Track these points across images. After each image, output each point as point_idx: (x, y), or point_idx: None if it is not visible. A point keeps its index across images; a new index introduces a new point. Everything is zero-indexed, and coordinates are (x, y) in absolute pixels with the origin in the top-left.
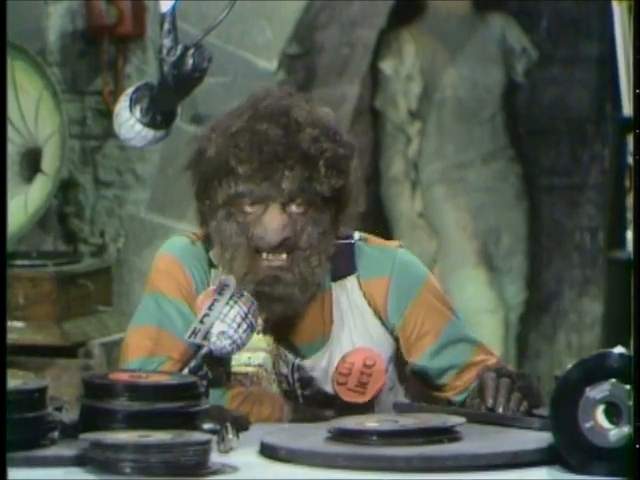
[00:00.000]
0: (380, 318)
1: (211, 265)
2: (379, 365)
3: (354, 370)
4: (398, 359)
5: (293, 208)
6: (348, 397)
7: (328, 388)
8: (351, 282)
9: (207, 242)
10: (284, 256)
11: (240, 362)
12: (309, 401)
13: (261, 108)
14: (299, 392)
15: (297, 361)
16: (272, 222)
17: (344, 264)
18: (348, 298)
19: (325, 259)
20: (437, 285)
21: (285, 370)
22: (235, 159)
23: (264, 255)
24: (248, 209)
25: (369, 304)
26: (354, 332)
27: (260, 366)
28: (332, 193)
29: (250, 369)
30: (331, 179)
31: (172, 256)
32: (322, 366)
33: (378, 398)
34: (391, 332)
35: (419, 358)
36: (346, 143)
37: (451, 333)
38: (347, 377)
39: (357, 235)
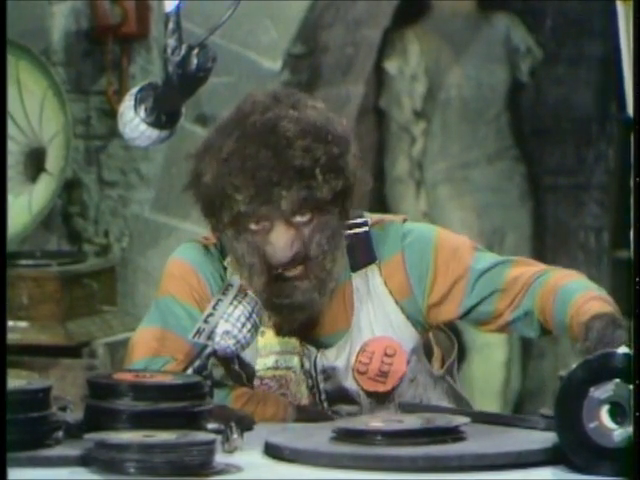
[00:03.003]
0: (402, 305)
1: (226, 267)
2: (400, 354)
3: (374, 359)
4: (421, 351)
5: (298, 218)
6: (369, 386)
7: (349, 382)
8: (371, 271)
9: (221, 246)
10: (298, 268)
11: (268, 366)
12: (332, 397)
13: (248, 126)
14: (322, 386)
15: (319, 353)
16: (279, 241)
17: (363, 254)
18: (368, 287)
19: (339, 255)
20: (447, 236)
21: (308, 365)
22: (230, 187)
23: (279, 269)
24: (254, 227)
25: (390, 293)
26: (374, 321)
27: (288, 368)
28: (334, 195)
29: (278, 372)
30: (330, 183)
31: (185, 261)
32: (344, 356)
33: (399, 390)
34: (414, 319)
35: (459, 303)
36: (340, 138)
37: (478, 267)
38: (367, 366)
39: (368, 219)
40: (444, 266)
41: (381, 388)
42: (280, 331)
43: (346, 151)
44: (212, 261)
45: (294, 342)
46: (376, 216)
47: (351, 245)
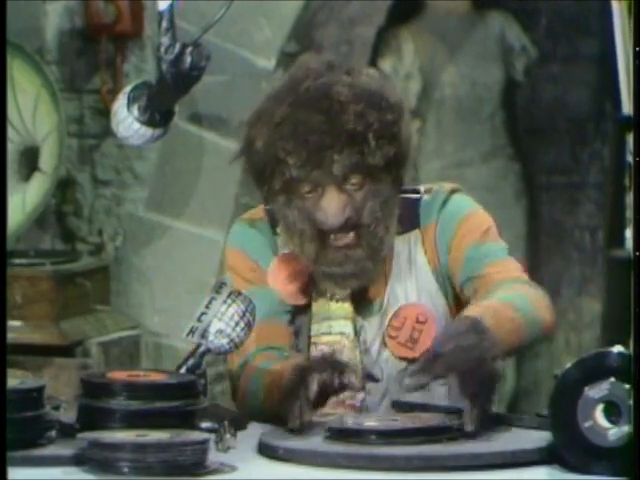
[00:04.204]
0: (436, 274)
1: (277, 234)
2: (431, 322)
3: (406, 325)
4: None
5: (349, 185)
6: (398, 352)
7: (376, 348)
8: (415, 236)
9: (268, 216)
10: (351, 234)
11: (321, 331)
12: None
13: (302, 91)
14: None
15: (363, 322)
16: (331, 206)
17: (409, 219)
18: (409, 253)
19: (392, 224)
20: (477, 215)
21: (359, 330)
22: (283, 151)
23: (331, 236)
24: (306, 193)
25: (428, 261)
26: (410, 288)
27: (342, 334)
28: (387, 161)
29: (332, 338)
30: (383, 149)
31: (233, 247)
32: (379, 322)
33: None
34: (444, 289)
35: (459, 278)
36: (393, 105)
37: (474, 251)
38: (399, 331)
39: (422, 188)
40: (461, 240)
41: (410, 354)
42: (332, 296)
43: (400, 118)
44: (260, 235)
45: (347, 307)
46: (432, 185)
47: (401, 211)
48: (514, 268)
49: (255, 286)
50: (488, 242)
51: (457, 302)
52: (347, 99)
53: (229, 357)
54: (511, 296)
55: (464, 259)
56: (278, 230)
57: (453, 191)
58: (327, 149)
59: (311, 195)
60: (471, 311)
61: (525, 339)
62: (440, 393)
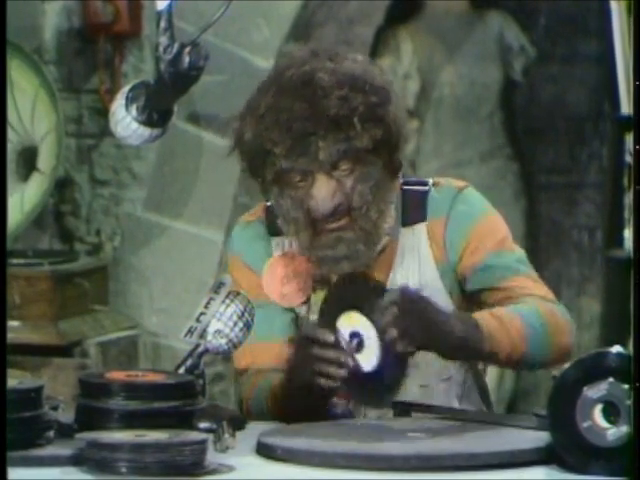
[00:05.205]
0: (440, 271)
1: (273, 234)
2: None
3: None
4: None
5: (339, 171)
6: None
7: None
8: (420, 229)
9: (266, 214)
10: (343, 220)
11: None
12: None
13: (285, 80)
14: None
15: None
16: (321, 193)
17: (415, 211)
18: (414, 246)
19: (387, 208)
20: (491, 220)
21: None
22: (269, 141)
23: (323, 223)
24: (297, 182)
25: (434, 256)
26: (412, 280)
27: None
28: (375, 144)
29: None
30: (370, 132)
31: (232, 255)
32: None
33: (427, 357)
34: (449, 287)
35: (470, 284)
36: (379, 88)
37: (495, 260)
38: None
39: (430, 180)
40: (476, 245)
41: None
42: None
43: (386, 101)
44: (256, 237)
45: None
46: (440, 179)
47: (406, 201)
48: (537, 284)
49: (256, 303)
50: (505, 252)
51: (463, 302)
52: (330, 84)
53: (233, 358)
54: (527, 311)
55: (479, 267)
56: (279, 222)
57: (463, 188)
58: (311, 135)
59: (303, 184)
60: (477, 314)
61: (526, 354)
62: (439, 391)
